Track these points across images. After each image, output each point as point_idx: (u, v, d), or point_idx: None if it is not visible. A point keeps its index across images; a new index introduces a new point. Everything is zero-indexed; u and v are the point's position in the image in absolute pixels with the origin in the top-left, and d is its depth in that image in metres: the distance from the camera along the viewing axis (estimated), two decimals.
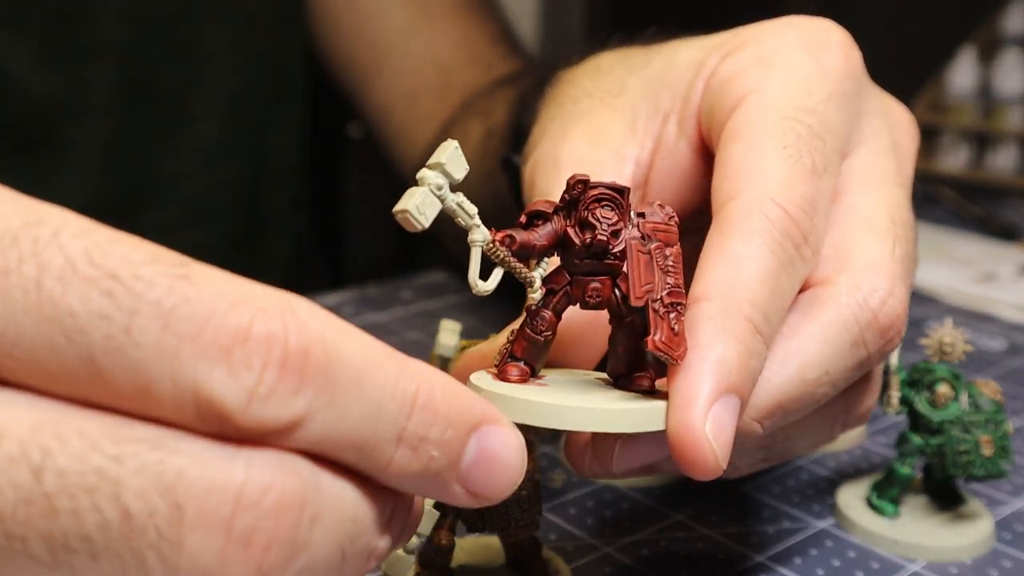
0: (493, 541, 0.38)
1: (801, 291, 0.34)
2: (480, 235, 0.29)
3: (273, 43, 0.76)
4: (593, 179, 0.30)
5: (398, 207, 0.27)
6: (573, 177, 0.30)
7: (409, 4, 0.79)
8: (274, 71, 0.77)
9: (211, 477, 0.21)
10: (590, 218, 0.30)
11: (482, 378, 0.31)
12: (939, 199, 1.03)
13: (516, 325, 0.32)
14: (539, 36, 1.64)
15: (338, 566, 0.23)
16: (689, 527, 0.43)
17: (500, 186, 0.55)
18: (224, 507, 0.21)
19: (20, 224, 0.21)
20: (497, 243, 0.29)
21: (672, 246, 0.31)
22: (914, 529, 0.42)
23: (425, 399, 0.24)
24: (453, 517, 0.35)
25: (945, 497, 0.44)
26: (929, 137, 1.14)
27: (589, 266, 0.31)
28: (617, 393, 0.31)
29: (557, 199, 0.31)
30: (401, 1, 0.79)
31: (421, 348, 0.58)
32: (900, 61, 0.88)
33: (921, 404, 0.42)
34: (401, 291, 0.73)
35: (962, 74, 1.13)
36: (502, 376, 0.31)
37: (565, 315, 0.32)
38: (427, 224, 0.28)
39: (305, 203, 0.84)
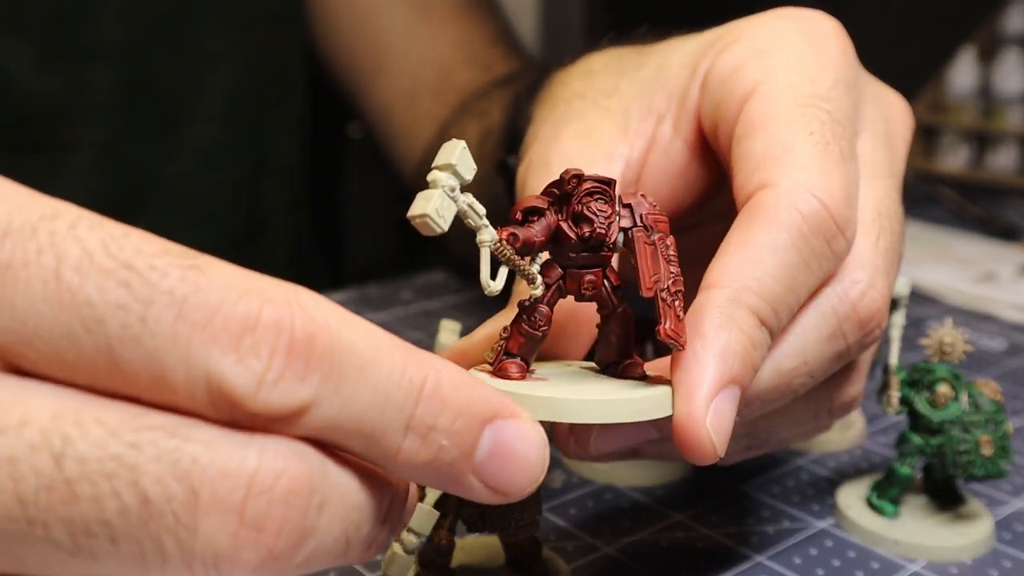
0: (493, 541, 0.38)
1: None
2: (489, 235, 0.29)
3: (273, 43, 0.76)
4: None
5: (415, 212, 0.27)
6: (567, 171, 0.30)
7: (409, 5, 0.79)
8: (274, 71, 0.77)
9: (224, 463, 0.21)
10: (585, 212, 0.30)
11: (480, 377, 0.31)
12: (939, 199, 1.03)
13: (501, 321, 0.32)
14: (539, 36, 1.64)
15: (342, 552, 0.23)
16: (689, 527, 0.43)
17: (496, 188, 0.55)
18: (237, 492, 0.21)
19: (38, 217, 0.21)
20: (504, 242, 0.29)
21: (669, 235, 0.32)
22: (914, 529, 0.42)
23: (432, 387, 0.24)
24: (453, 517, 0.35)
25: (945, 497, 0.44)
26: (929, 137, 1.14)
27: (584, 259, 0.31)
28: (616, 382, 0.32)
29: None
30: (401, 2, 0.79)
31: (421, 348, 0.57)
32: (900, 61, 0.88)
33: (921, 404, 0.42)
34: (401, 291, 0.73)
35: (962, 74, 1.13)
36: (501, 373, 0.31)
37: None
38: (446, 227, 0.27)
39: (305, 203, 0.84)
